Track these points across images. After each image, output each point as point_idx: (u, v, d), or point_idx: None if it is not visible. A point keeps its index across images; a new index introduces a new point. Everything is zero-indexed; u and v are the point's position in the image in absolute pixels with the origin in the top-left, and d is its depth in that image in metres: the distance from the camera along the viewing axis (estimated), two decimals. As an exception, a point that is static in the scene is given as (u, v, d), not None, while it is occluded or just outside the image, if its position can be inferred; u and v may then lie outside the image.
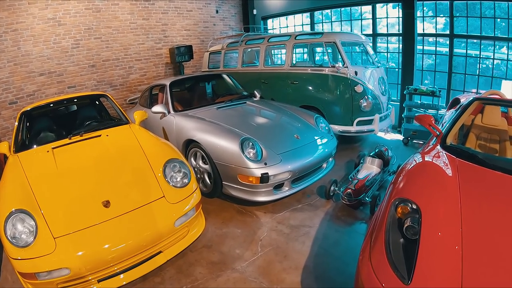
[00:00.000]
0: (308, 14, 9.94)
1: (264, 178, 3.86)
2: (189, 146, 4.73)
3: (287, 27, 10.94)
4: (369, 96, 5.90)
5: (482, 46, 6.81)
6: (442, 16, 7.33)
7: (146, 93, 6.58)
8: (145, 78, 9.23)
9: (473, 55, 7.01)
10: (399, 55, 7.86)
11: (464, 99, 4.46)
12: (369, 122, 6.00)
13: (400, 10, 7.40)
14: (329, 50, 6.66)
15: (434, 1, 7.16)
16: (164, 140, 4.16)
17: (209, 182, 4.55)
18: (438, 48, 7.56)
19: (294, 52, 7.06)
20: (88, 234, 2.72)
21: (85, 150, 3.80)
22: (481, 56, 6.89)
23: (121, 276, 2.85)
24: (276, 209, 4.31)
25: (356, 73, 5.80)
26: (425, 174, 2.63)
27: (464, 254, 1.83)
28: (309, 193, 4.69)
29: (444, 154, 2.85)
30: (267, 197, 4.08)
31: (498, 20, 6.53)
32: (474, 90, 6.87)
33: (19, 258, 2.49)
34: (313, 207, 4.33)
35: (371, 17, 8.29)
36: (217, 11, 10.60)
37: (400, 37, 7.60)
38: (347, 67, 5.79)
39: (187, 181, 3.39)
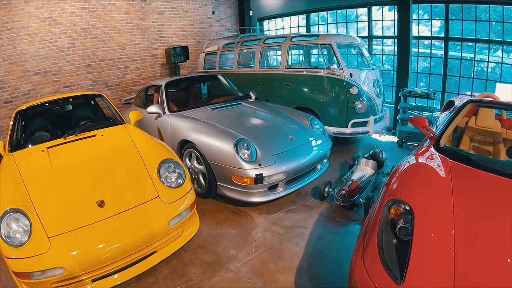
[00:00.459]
0: (304, 16, 9.97)
1: (259, 179, 3.87)
2: (184, 146, 4.73)
3: (283, 28, 10.97)
4: (364, 98, 5.93)
5: (477, 49, 6.87)
6: (438, 19, 7.37)
7: (141, 93, 6.57)
8: (140, 79, 9.22)
9: (468, 58, 7.06)
10: (394, 57, 7.91)
11: (458, 102, 4.49)
12: (364, 124, 6.03)
13: (396, 13, 7.45)
14: (324, 52, 6.68)
15: (430, 4, 7.20)
16: (159, 140, 4.17)
17: (203, 183, 4.56)
18: (433, 51, 7.62)
19: (289, 53, 7.08)
20: (83, 233, 2.72)
21: (80, 150, 3.79)
22: (476, 59, 6.94)
23: (115, 276, 2.85)
24: (270, 210, 4.32)
25: (351, 75, 5.83)
26: (418, 176, 2.65)
27: (457, 254, 1.85)
28: (304, 194, 4.71)
29: (438, 156, 2.88)
30: (262, 198, 4.09)
31: (494, 23, 6.57)
32: (469, 93, 6.92)
33: (14, 257, 2.49)
34: (308, 208, 4.35)
35: (367, 20, 8.33)
36: (213, 12, 10.61)
37: (396, 40, 7.64)
38: (342, 69, 5.82)
39: (181, 182, 3.39)
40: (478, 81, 6.94)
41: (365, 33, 8.49)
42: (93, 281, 2.76)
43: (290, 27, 10.68)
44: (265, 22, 11.38)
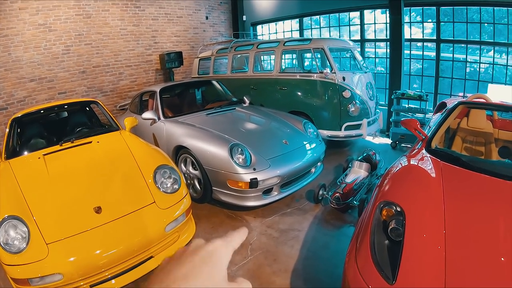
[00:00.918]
0: (297, 20, 10.03)
1: (253, 183, 3.91)
2: (179, 152, 4.76)
3: (276, 33, 11.02)
4: (357, 101, 5.99)
5: (469, 50, 6.94)
6: (430, 21, 7.45)
7: (136, 99, 6.59)
8: (135, 84, 9.24)
9: (461, 59, 7.14)
10: (386, 60, 7.97)
11: (450, 103, 4.56)
12: (357, 126, 6.07)
13: (388, 16, 7.52)
14: (317, 56, 6.74)
15: (421, 7, 7.28)
16: (154, 146, 4.20)
17: (199, 188, 4.59)
18: (426, 53, 7.66)
19: (283, 58, 7.13)
20: (80, 239, 2.74)
21: (76, 156, 3.81)
22: (468, 60, 7.01)
23: (113, 281, 2.87)
24: (265, 214, 4.35)
25: (344, 78, 5.88)
26: (410, 177, 2.71)
27: (447, 254, 1.90)
28: (298, 197, 4.74)
29: (429, 158, 2.93)
30: (257, 202, 4.13)
31: (486, 24, 6.65)
32: (461, 94, 6.98)
33: (12, 264, 2.51)
34: (302, 211, 4.39)
35: (360, 23, 8.40)
36: (207, 17, 10.65)
37: (388, 42, 7.71)
38: (335, 72, 5.87)
39: (177, 187, 3.43)
40: (470, 82, 7.00)
41: (358, 36, 8.55)
42: (91, 286, 2.79)
43: (284, 31, 10.73)
44: (259, 27, 11.43)
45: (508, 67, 6.40)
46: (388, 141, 7.20)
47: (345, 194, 4.20)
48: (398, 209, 2.24)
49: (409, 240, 2.02)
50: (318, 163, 4.90)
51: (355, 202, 4.13)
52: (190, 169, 4.62)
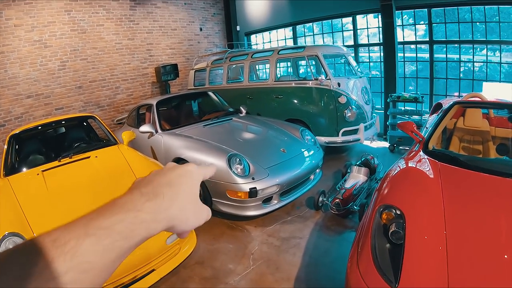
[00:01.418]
0: (290, 28, 10.10)
1: (253, 193, 3.90)
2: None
3: (270, 41, 11.09)
4: (353, 106, 6.01)
5: (463, 50, 6.99)
6: (423, 23, 7.50)
7: (133, 113, 6.61)
8: (132, 98, 9.25)
9: (455, 59, 7.18)
10: (381, 63, 8.01)
11: (446, 104, 4.58)
12: (355, 131, 6.08)
13: (380, 20, 7.57)
14: (312, 63, 6.77)
15: (413, 9, 7.33)
16: (152, 159, 4.21)
17: (199, 199, 4.57)
18: (419, 55, 7.71)
19: (278, 66, 7.16)
20: (81, 255, 2.73)
21: (75, 172, 3.82)
22: (462, 60, 7.06)
23: (115, 296, 2.86)
24: (266, 223, 4.34)
25: (339, 84, 5.91)
26: (408, 180, 2.71)
27: (449, 255, 1.90)
28: (298, 205, 4.73)
29: (427, 159, 2.94)
30: (257, 211, 4.12)
31: (478, 23, 6.70)
32: (457, 94, 7.02)
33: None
34: (303, 218, 4.38)
35: (352, 28, 8.46)
36: (201, 29, 10.71)
37: (382, 46, 7.75)
38: (329, 79, 5.90)
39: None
40: (465, 82, 7.04)
41: (352, 42, 8.60)
42: (93, 301, 2.77)
43: (277, 40, 10.80)
44: (253, 36, 11.50)
45: (502, 64, 6.44)
46: (386, 144, 7.21)
47: (345, 199, 4.20)
48: (398, 212, 2.24)
49: (410, 243, 2.02)
50: (317, 170, 4.91)
51: (355, 207, 4.13)
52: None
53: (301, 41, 10.02)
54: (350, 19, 8.45)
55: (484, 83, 6.15)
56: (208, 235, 4.18)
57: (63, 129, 5.48)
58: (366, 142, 6.75)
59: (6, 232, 2.72)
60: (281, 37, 10.69)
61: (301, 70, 8.94)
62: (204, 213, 0.60)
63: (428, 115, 5.23)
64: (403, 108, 7.22)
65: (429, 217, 2.17)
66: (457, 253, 1.90)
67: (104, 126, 4.98)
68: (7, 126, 7.07)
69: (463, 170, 2.64)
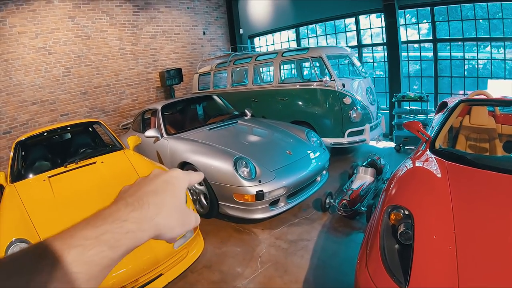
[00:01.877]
0: (293, 30, 10.10)
1: (259, 196, 3.89)
2: (184, 168, 4.75)
3: (273, 44, 11.09)
4: (358, 107, 5.98)
5: (466, 47, 6.95)
6: (426, 22, 7.47)
7: (138, 118, 6.62)
8: (136, 103, 9.28)
9: (459, 57, 7.14)
10: (385, 63, 7.98)
11: (451, 102, 4.56)
12: (360, 132, 6.05)
13: (383, 20, 7.55)
14: (316, 65, 6.76)
15: (416, 8, 7.31)
16: (158, 164, 4.21)
17: (205, 203, 4.57)
18: (423, 53, 7.66)
19: (282, 68, 7.16)
20: (88, 261, 2.73)
21: (81, 177, 3.83)
22: (466, 57, 7.02)
23: (123, 301, 2.86)
24: (273, 225, 4.33)
25: (343, 85, 5.89)
26: (416, 180, 2.69)
27: (459, 254, 1.88)
28: (305, 207, 4.71)
29: (434, 158, 2.92)
30: (264, 214, 4.11)
31: (481, 20, 6.67)
32: (462, 92, 6.98)
33: None
34: (310, 220, 4.36)
35: (356, 29, 8.44)
36: (204, 33, 10.73)
37: (385, 46, 7.73)
38: (334, 80, 5.89)
39: (183, 203, 3.41)
40: (470, 79, 7.01)
41: (355, 42, 8.59)
42: (101, 307, 2.77)
43: (281, 42, 10.81)
44: (256, 39, 11.50)
45: (506, 61, 6.41)
46: (392, 144, 7.18)
47: (352, 200, 4.18)
48: (406, 212, 2.22)
49: (419, 243, 2.00)
50: (323, 172, 4.89)
51: (362, 208, 4.11)
52: (196, 184, 4.61)
53: (304, 43, 10.02)
54: (353, 19, 8.44)
55: (489, 81, 6.11)
56: (215, 239, 4.17)
57: (69, 135, 5.52)
58: (372, 143, 6.73)
59: (13, 238, 2.74)
60: (284, 39, 10.69)
61: (305, 72, 8.94)
62: (191, 219, 0.61)
63: (434, 114, 5.20)
64: (408, 108, 7.18)
65: (438, 217, 2.15)
66: (467, 252, 1.89)
67: (109, 131, 4.99)
68: (13, 132, 7.11)
69: (471, 169, 2.62)
